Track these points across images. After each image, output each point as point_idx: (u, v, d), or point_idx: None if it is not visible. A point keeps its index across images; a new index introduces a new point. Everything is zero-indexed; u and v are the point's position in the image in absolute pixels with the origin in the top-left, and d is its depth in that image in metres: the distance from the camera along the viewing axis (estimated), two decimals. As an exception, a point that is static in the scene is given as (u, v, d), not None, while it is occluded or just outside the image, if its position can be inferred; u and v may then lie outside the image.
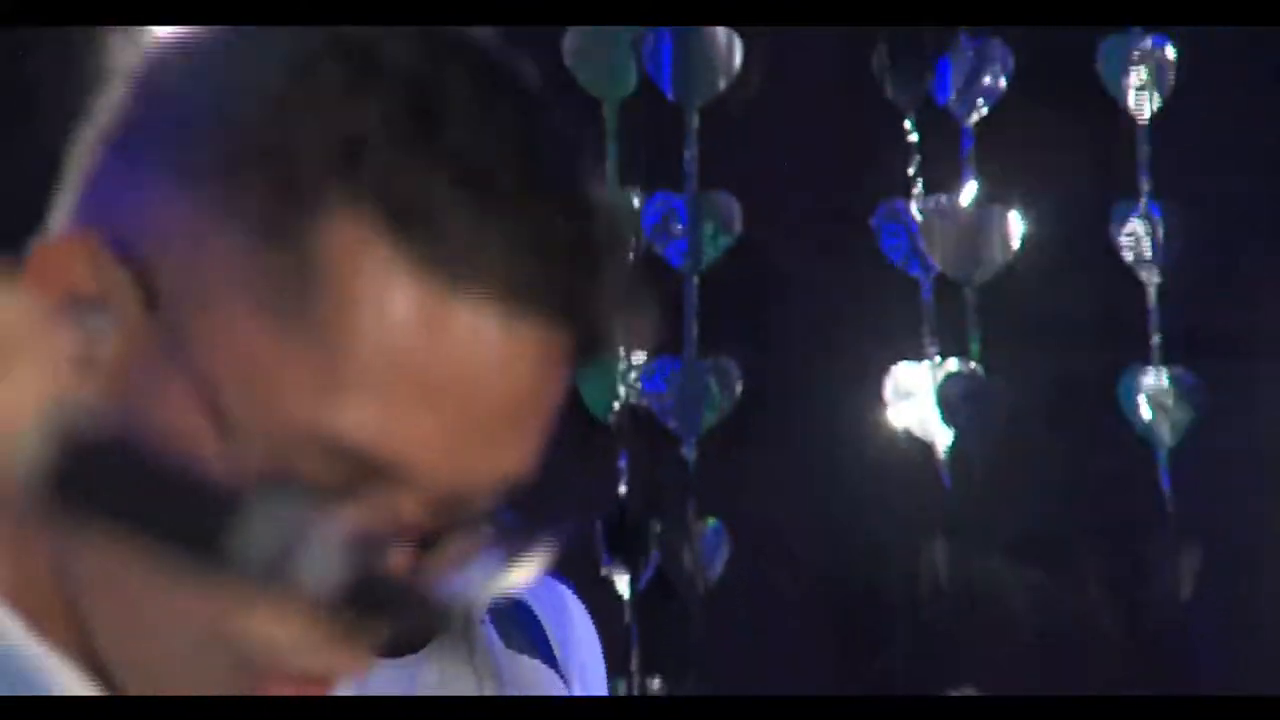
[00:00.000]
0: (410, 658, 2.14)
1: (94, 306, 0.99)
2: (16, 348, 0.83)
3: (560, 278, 0.93)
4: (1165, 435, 2.71)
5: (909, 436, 2.86)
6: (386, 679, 2.38)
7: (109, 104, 1.02)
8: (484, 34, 1.05)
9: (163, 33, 1.07)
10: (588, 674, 2.33)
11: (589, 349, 0.96)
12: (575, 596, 2.30)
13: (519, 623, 2.22)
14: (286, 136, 0.98)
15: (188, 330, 0.99)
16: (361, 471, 0.94)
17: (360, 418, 0.95)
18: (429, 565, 0.97)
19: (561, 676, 2.23)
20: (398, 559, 0.96)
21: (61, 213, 1.01)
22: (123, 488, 0.78)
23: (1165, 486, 2.72)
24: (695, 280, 2.81)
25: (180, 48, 1.05)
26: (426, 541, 0.95)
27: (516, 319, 0.92)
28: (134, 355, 0.98)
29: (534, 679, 2.19)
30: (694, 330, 2.81)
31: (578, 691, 2.33)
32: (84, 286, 0.98)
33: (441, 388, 0.94)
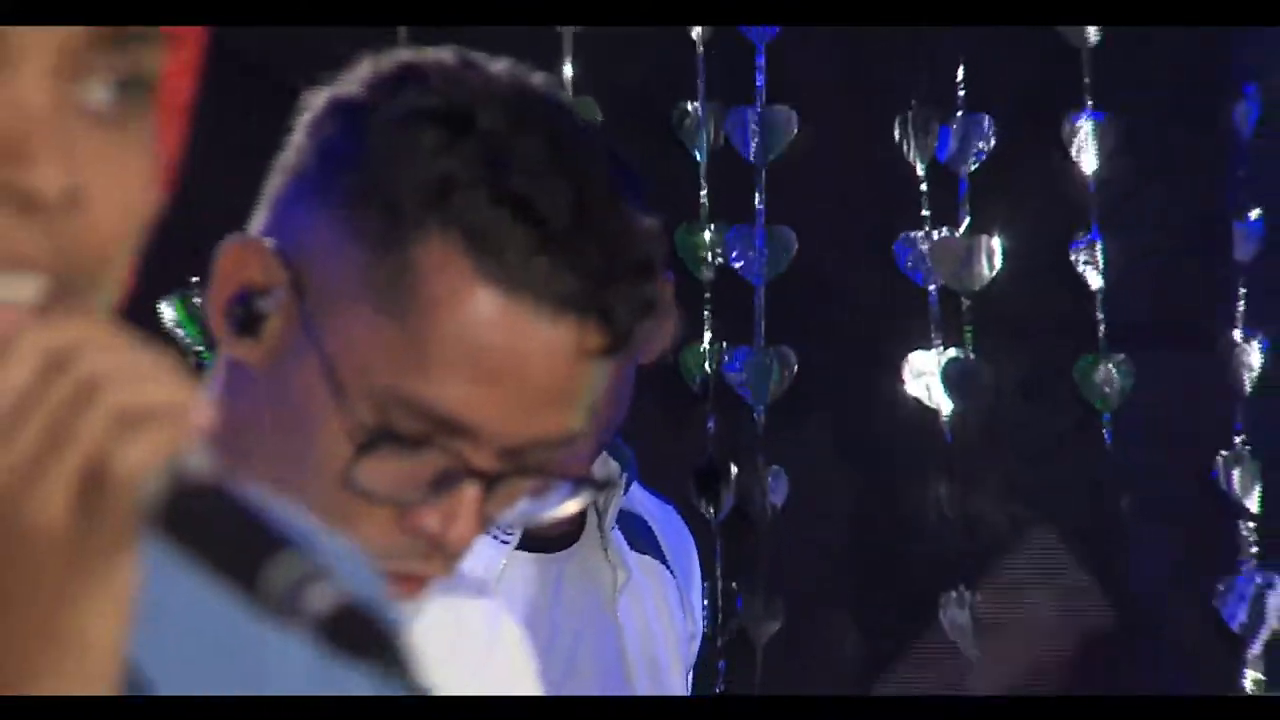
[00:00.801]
0: (560, 553, 2.62)
1: (262, 293, 1.24)
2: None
3: (593, 294, 1.19)
4: (1111, 404, 3.20)
5: (921, 405, 3.35)
6: (541, 569, 2.55)
7: (293, 143, 1.28)
8: (563, 100, 1.36)
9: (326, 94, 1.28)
10: (690, 574, 2.81)
11: (615, 348, 1.21)
12: (680, 518, 2.82)
13: (640, 533, 2.72)
14: (397, 178, 1.21)
15: (322, 317, 1.23)
16: (441, 428, 1.18)
17: (440, 390, 1.18)
18: (494, 500, 1.23)
19: (671, 572, 2.72)
20: (465, 495, 1.21)
21: (255, 220, 1.27)
22: (209, 511, 0.77)
23: (1108, 443, 3.25)
24: (762, 290, 3.29)
25: (335, 106, 1.29)
26: (490, 482, 1.21)
27: (557, 323, 1.18)
28: (284, 332, 1.23)
29: (653, 572, 2.69)
30: (762, 326, 3.28)
31: (681, 583, 2.80)
32: (257, 278, 1.23)
33: (500, 371, 1.19)
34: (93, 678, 0.80)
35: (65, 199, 0.79)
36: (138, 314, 0.83)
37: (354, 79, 1.35)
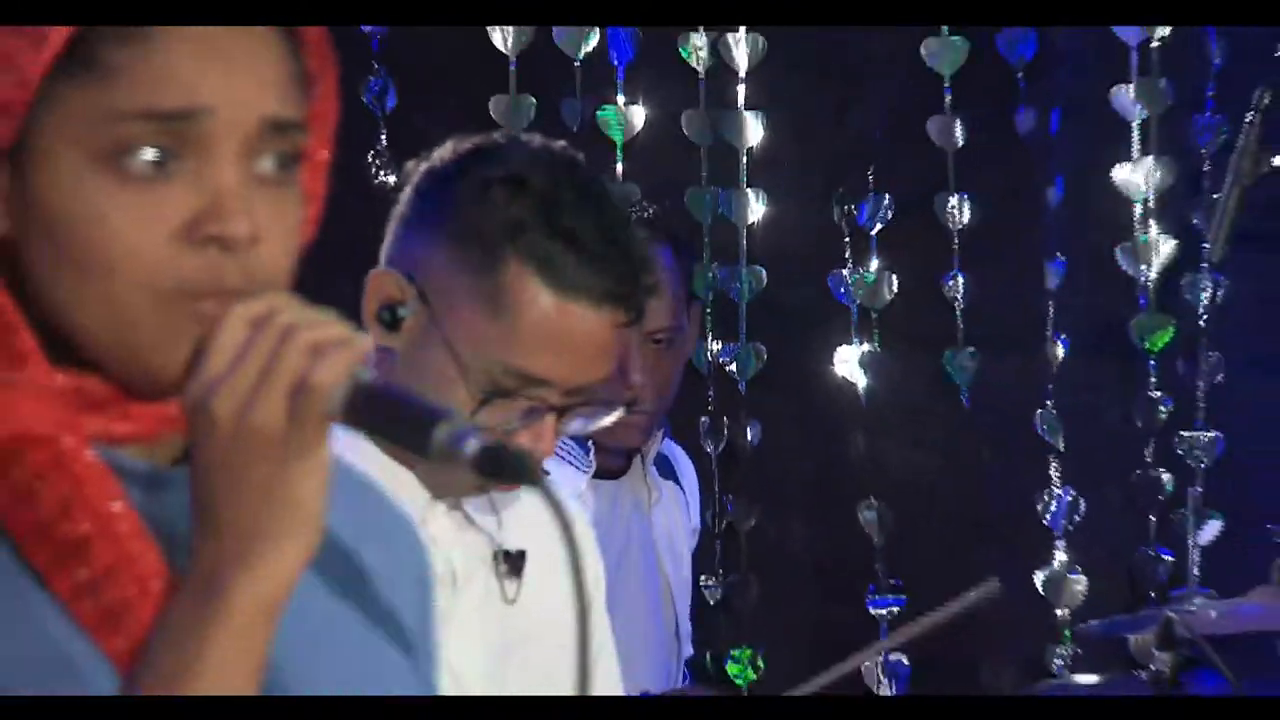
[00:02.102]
0: (617, 480, 3.05)
1: (400, 304, 1.55)
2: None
3: (617, 290, 1.56)
4: (966, 380, 3.89)
5: (846, 381, 3.94)
6: (606, 490, 2.94)
7: (403, 201, 1.61)
8: (578, 159, 1.63)
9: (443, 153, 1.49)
10: (694, 492, 3.28)
11: (634, 321, 1.61)
12: (688, 457, 3.33)
13: (666, 467, 3.17)
14: (482, 224, 1.54)
15: (443, 318, 1.55)
16: (528, 383, 1.56)
17: (527, 361, 1.56)
18: (561, 423, 1.59)
19: (683, 491, 3.21)
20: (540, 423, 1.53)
21: (385, 250, 1.58)
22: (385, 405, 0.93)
23: (965, 405, 3.93)
24: (744, 306, 3.88)
25: (431, 174, 1.59)
26: (560, 412, 1.59)
27: (598, 312, 1.56)
28: (417, 328, 1.56)
29: (673, 492, 3.18)
30: (744, 329, 3.87)
31: (692, 503, 3.23)
32: (395, 294, 1.55)
33: (564, 346, 1.56)
34: (305, 528, 0.99)
35: (249, 241, 0.98)
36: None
37: (441, 155, 1.66)
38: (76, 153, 1.02)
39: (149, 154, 1.03)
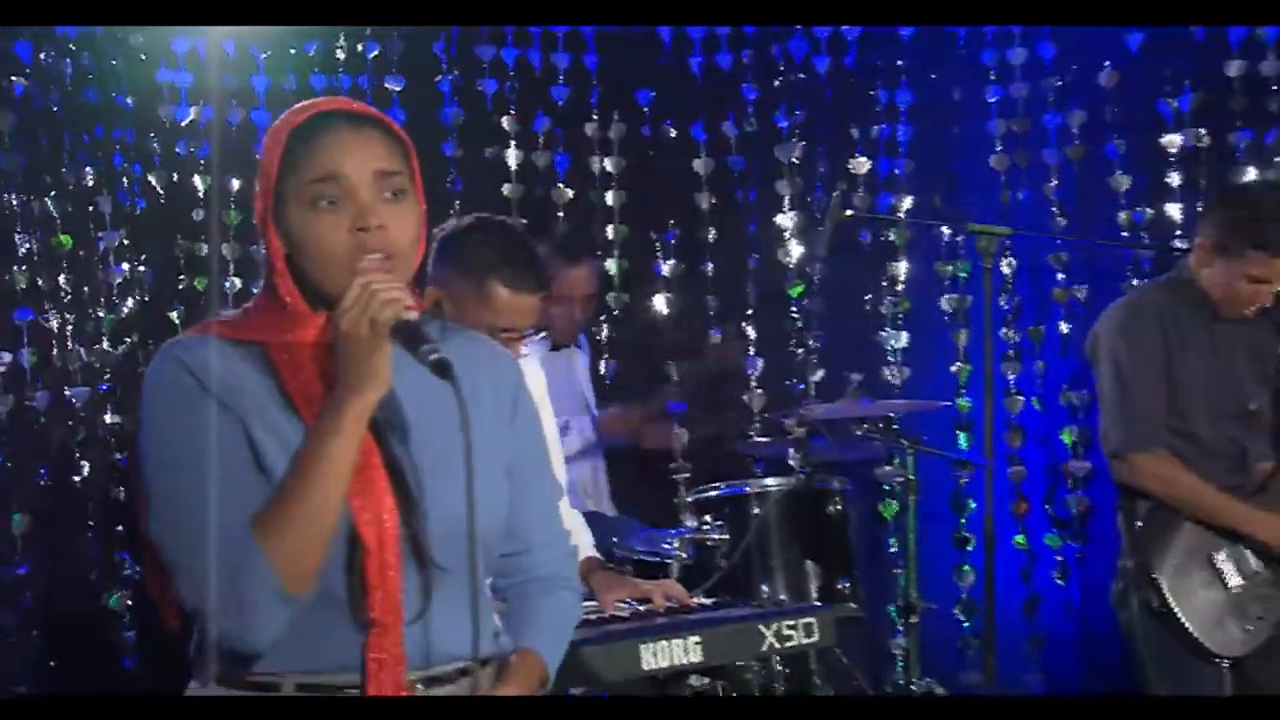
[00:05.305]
0: (561, 352, 5.25)
1: (440, 308, 3.46)
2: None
3: (537, 283, 3.54)
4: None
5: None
6: (560, 355, 5.31)
7: (439, 243, 3.60)
8: (516, 226, 3.65)
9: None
10: (587, 356, 5.51)
11: (546, 297, 3.59)
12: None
13: (583, 345, 5.46)
14: (471, 260, 3.50)
15: (461, 302, 3.47)
16: (502, 330, 3.42)
17: (498, 319, 3.45)
18: (519, 343, 3.55)
19: (585, 356, 5.46)
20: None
21: (430, 272, 3.52)
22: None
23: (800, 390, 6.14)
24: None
25: (444, 237, 3.58)
26: (519, 339, 3.55)
27: (531, 295, 3.49)
28: (449, 309, 3.45)
29: (583, 357, 5.46)
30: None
31: (586, 359, 5.42)
32: (435, 303, 3.42)
33: (515, 312, 3.48)
34: (379, 380, 2.20)
35: (381, 229, 2.22)
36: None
37: (450, 226, 3.55)
38: (298, 207, 2.29)
39: (326, 200, 2.28)
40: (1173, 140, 6.11)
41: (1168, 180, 6.11)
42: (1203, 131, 6.08)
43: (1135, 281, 5.95)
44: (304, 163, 2.25)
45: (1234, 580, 4.19)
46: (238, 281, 5.84)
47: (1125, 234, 6.07)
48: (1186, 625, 4.13)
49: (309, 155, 2.25)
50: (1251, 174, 5.97)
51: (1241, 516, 4.19)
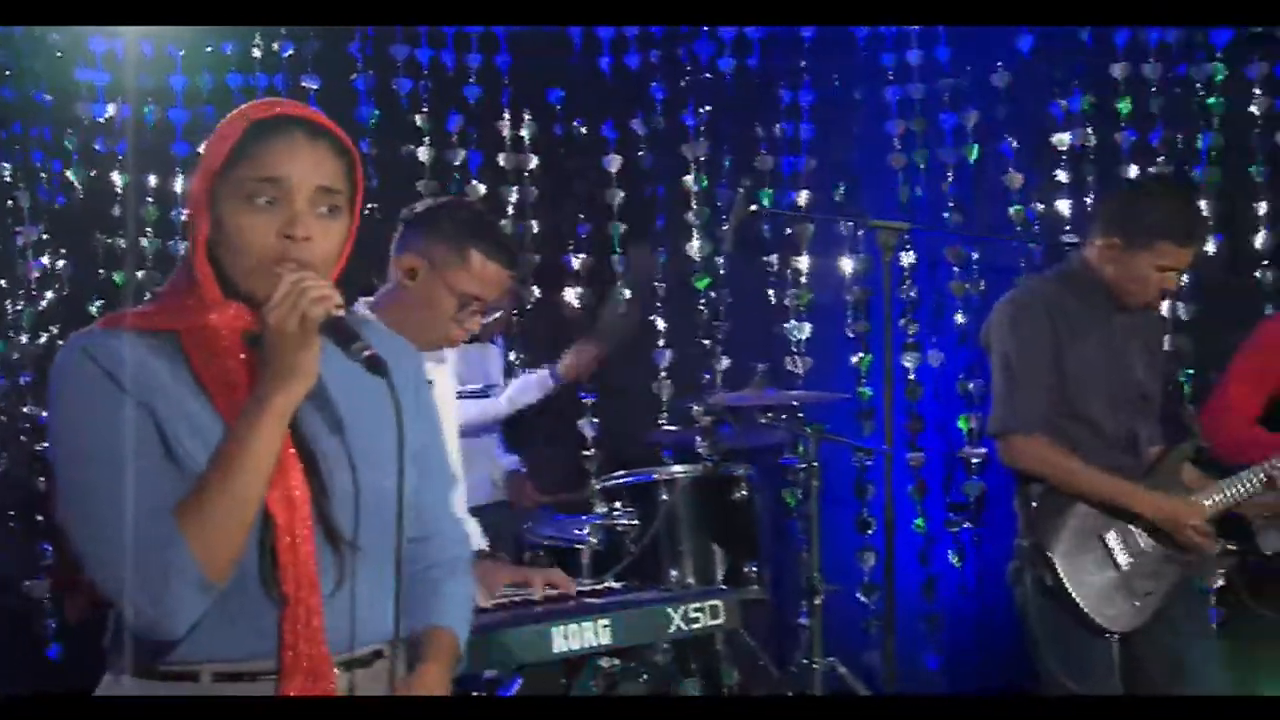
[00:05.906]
0: (476, 345, 5.67)
1: (417, 268, 3.44)
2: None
3: (510, 257, 3.55)
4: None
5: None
6: (474, 349, 5.71)
7: (402, 220, 3.58)
8: (480, 206, 3.65)
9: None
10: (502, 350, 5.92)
11: (515, 272, 3.61)
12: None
13: (497, 344, 5.92)
14: (451, 231, 3.50)
15: (440, 270, 3.43)
16: (474, 299, 3.45)
17: (471, 287, 3.45)
18: (483, 316, 3.54)
19: (500, 351, 5.84)
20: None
21: (395, 246, 3.52)
22: None
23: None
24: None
25: (418, 214, 3.58)
26: (485, 312, 3.52)
27: (505, 266, 3.49)
28: (425, 277, 3.44)
29: (494, 354, 5.80)
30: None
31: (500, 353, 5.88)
32: (414, 265, 3.43)
33: (490, 283, 3.48)
34: (305, 375, 2.17)
35: (307, 240, 2.22)
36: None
37: (423, 204, 3.53)
38: (234, 198, 2.27)
39: (263, 199, 2.25)
40: (1062, 139, 6.27)
41: (1058, 177, 6.25)
42: (1090, 130, 6.23)
43: (1027, 274, 6.07)
44: (253, 157, 2.25)
45: (1123, 559, 4.28)
46: (156, 275, 5.93)
47: (1018, 228, 6.20)
48: (1078, 601, 4.21)
49: (260, 152, 2.25)
50: (1134, 171, 6.14)
51: (1121, 492, 4.29)
